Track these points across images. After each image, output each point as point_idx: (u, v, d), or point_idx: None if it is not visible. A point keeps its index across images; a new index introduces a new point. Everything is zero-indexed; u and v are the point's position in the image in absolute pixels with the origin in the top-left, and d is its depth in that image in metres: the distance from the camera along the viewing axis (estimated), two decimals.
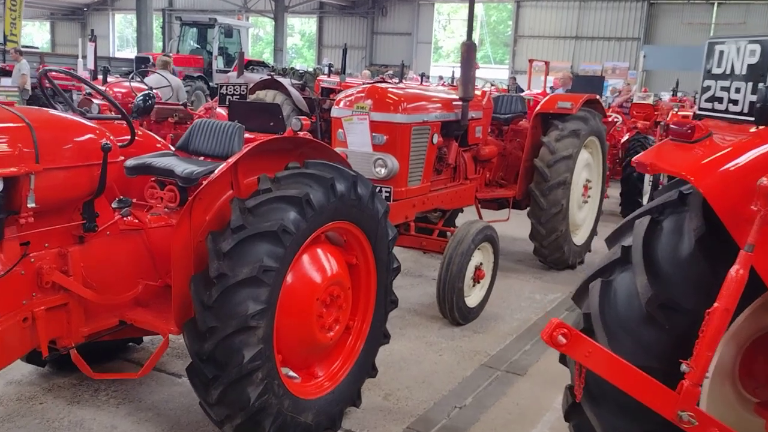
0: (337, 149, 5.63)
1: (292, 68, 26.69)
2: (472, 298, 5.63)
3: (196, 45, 22.88)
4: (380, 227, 3.86)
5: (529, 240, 7.19)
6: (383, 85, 5.85)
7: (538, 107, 7.15)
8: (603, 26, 31.85)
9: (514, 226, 7.63)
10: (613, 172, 10.58)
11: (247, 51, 22.78)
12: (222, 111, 8.33)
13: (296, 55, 42.75)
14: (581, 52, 32.29)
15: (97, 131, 3.40)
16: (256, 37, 44.26)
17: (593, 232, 7.79)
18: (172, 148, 4.25)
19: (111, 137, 3.44)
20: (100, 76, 10.32)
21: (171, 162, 3.90)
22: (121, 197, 3.74)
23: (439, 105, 5.93)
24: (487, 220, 7.10)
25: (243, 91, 8.05)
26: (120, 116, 3.92)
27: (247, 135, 4.35)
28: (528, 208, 7.42)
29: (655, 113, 14.15)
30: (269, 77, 10.79)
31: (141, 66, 19.47)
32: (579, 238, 7.54)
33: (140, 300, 3.65)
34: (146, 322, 3.54)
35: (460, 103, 6.07)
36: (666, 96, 20.24)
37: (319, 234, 3.51)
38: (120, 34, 46.33)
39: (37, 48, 28.02)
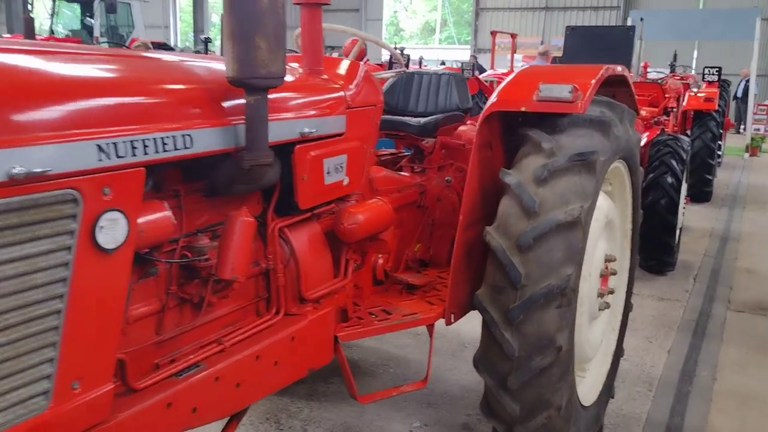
0: None
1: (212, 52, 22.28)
2: None
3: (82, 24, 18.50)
4: None
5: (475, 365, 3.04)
6: None
7: (491, 99, 2.94)
8: None
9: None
10: None
11: (140, 29, 18.23)
12: None
13: None
14: (552, 25, 28.02)
15: None
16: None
17: (618, 355, 3.66)
18: None
19: None
20: None
21: None
22: None
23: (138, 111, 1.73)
24: None
25: None
26: None
27: None
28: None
29: (665, 96, 10.08)
30: None
31: None
32: (590, 383, 3.39)
33: None
34: None
35: (239, 101, 1.89)
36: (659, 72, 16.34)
37: None
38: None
39: None
